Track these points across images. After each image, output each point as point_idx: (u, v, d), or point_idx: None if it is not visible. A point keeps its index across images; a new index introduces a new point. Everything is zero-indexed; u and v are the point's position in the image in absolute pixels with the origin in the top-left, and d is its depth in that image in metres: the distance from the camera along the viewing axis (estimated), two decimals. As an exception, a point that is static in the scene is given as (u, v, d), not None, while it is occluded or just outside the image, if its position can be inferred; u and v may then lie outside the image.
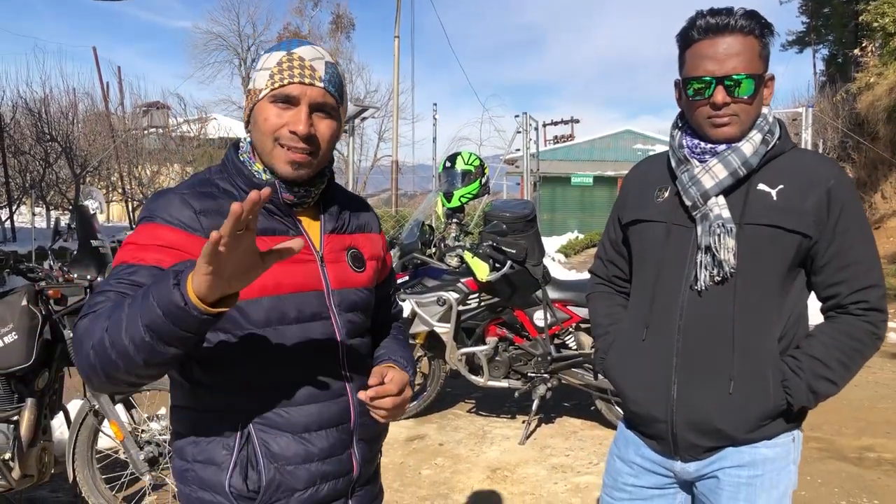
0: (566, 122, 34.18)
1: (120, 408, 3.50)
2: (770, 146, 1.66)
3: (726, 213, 1.64)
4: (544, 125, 30.63)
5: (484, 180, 5.04)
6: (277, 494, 1.39)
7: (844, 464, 4.41)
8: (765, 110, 1.70)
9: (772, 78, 1.68)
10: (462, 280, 4.69)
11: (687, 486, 1.83)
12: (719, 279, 1.65)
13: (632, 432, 1.87)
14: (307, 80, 1.36)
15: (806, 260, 1.67)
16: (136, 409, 3.59)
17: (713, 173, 1.65)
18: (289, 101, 1.36)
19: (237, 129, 19.88)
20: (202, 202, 1.37)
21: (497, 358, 4.83)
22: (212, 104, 33.21)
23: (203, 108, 21.36)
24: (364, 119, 14.32)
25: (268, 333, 1.37)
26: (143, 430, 3.53)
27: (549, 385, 4.79)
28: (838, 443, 4.78)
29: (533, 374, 4.78)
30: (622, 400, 1.87)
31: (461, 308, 4.71)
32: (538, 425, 4.98)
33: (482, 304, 4.75)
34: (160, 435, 3.56)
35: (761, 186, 1.65)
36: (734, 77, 1.59)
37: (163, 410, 4.02)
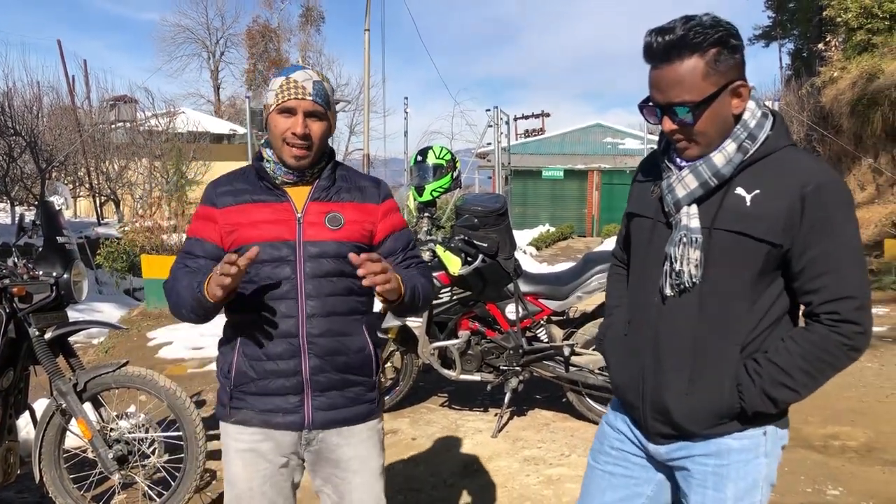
0: (537, 116, 34.35)
1: (88, 406, 3.46)
2: (749, 153, 1.65)
3: (694, 224, 1.66)
4: (515, 119, 30.70)
5: (455, 174, 5.04)
6: (242, 379, 2.03)
7: (810, 452, 4.49)
8: (746, 115, 1.66)
9: (742, 85, 1.64)
10: (434, 274, 4.69)
11: (662, 467, 1.89)
12: (680, 289, 1.69)
13: (620, 402, 1.97)
14: (300, 96, 1.96)
15: (781, 266, 1.67)
16: (105, 408, 3.55)
17: (685, 183, 1.68)
18: (289, 112, 1.97)
19: (206, 123, 19.65)
20: (222, 187, 2.09)
21: (469, 352, 4.84)
22: (180, 98, 32.83)
23: (171, 102, 21.05)
24: (336, 113, 14.26)
25: (251, 269, 1.95)
26: (111, 429, 3.49)
27: (521, 378, 4.81)
28: (804, 431, 4.86)
29: (505, 368, 4.80)
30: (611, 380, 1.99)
31: (433, 302, 4.71)
32: (510, 418, 5.00)
33: (454, 297, 4.76)
34: (129, 433, 3.52)
35: (738, 190, 1.65)
36: (674, 106, 1.62)
37: (132, 408, 3.98)
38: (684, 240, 1.66)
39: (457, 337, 4.84)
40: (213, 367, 6.49)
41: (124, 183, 17.48)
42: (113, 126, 18.89)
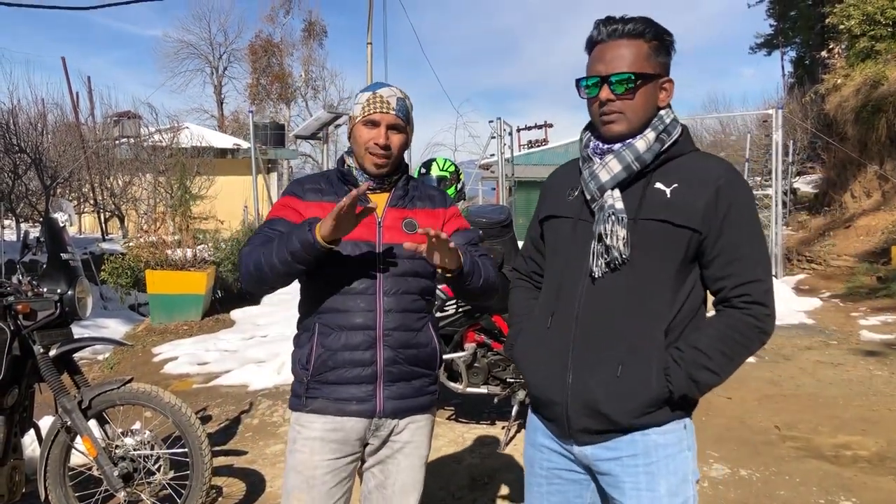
0: (539, 127, 34.27)
1: (93, 423, 3.44)
2: (666, 146, 1.80)
3: (619, 205, 1.77)
4: (518, 130, 30.71)
5: (459, 186, 5.03)
6: (321, 369, 2.16)
7: (822, 462, 4.45)
8: (663, 112, 1.83)
9: (669, 81, 1.83)
10: (439, 286, 4.66)
11: (591, 472, 1.91)
12: (612, 266, 1.77)
13: (535, 416, 2.00)
14: (384, 110, 2.17)
15: (698, 255, 1.78)
16: (110, 425, 3.52)
17: (609, 168, 1.80)
18: (373, 124, 2.17)
19: (210, 138, 19.67)
20: (308, 184, 2.29)
21: (476, 364, 4.82)
22: (184, 113, 32.87)
23: (175, 117, 21.07)
24: (339, 126, 14.28)
25: (334, 263, 2.12)
26: (116, 446, 3.46)
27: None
28: (815, 441, 4.82)
29: (512, 380, 4.77)
30: (526, 384, 2.00)
31: (439, 315, 4.68)
32: (518, 431, 4.96)
33: (460, 310, 4.73)
34: (134, 450, 3.50)
35: (658, 184, 1.78)
36: (616, 75, 1.76)
37: (137, 425, 3.96)
38: (612, 218, 1.75)
39: (463, 349, 4.82)
40: (218, 381, 6.49)
41: (128, 198, 17.50)
42: (117, 142, 18.92)
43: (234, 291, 10.45)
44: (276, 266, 2.06)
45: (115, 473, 3.37)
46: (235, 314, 9.38)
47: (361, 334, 2.15)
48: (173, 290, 8.90)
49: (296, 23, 48.55)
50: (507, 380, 4.79)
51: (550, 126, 33.63)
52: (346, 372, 2.16)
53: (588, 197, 1.84)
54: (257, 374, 6.58)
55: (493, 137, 13.81)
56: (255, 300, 10.02)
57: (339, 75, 49.74)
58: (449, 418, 5.35)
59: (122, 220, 18.13)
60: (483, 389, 4.83)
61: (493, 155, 15.03)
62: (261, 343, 7.86)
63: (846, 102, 14.39)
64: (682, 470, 1.81)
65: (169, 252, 9.14)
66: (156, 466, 3.56)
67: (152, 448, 3.57)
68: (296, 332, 2.30)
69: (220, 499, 4.05)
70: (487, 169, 20.80)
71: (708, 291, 1.86)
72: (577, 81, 1.85)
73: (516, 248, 4.79)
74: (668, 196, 1.77)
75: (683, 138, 1.84)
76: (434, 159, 5.07)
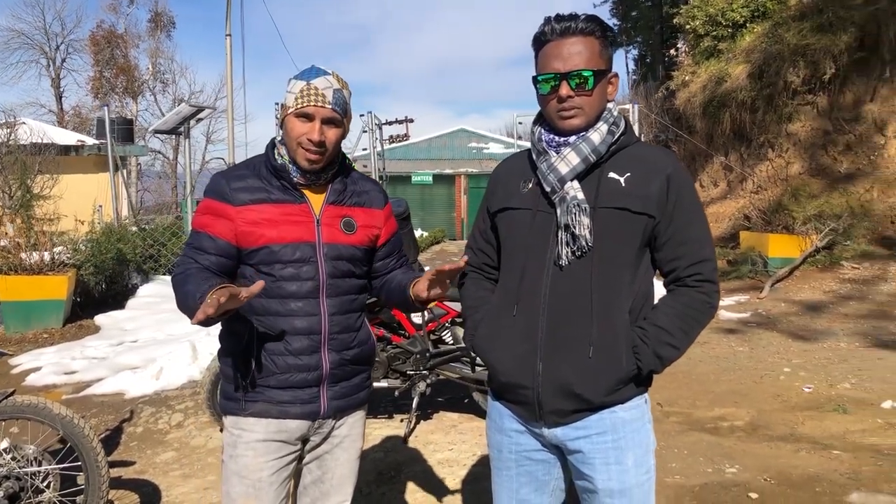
0: (401, 122, 34.42)
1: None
2: (616, 137, 1.88)
3: (581, 195, 1.84)
4: (379, 126, 30.71)
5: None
6: (263, 373, 2.09)
7: (703, 434, 4.76)
8: (609, 105, 1.92)
9: (615, 75, 1.92)
10: (337, 281, 4.60)
11: (557, 450, 1.99)
12: (579, 254, 1.84)
13: (499, 402, 2.04)
14: (319, 104, 2.03)
15: (651, 239, 1.88)
16: (-9, 443, 3.23)
17: (567, 160, 1.85)
18: (307, 118, 2.04)
19: (52, 134, 18.33)
20: (236, 182, 2.10)
21: (375, 359, 4.76)
22: (19, 107, 30.43)
23: (11, 112, 19.47)
24: (199, 121, 13.67)
25: (272, 270, 2.06)
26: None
27: (429, 381, 4.80)
28: (695, 415, 5.14)
29: (412, 372, 4.78)
30: (491, 372, 2.02)
31: (337, 310, 4.61)
32: (417, 422, 4.98)
33: (359, 304, 4.68)
34: (20, 467, 3.22)
35: (611, 174, 1.87)
36: (575, 72, 1.82)
37: (5, 443, 3.62)
38: (575, 209, 1.82)
39: (362, 344, 4.76)
40: (91, 391, 6.11)
41: (-39, 200, 16.00)
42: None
43: (95, 296, 9.81)
44: (183, 311, 1.97)
45: (0, 494, 3.10)
46: (100, 319, 8.81)
47: (306, 339, 2.09)
48: (30, 297, 8.24)
49: (141, 13, 46.15)
50: (408, 372, 4.78)
51: (412, 121, 33.87)
52: (290, 377, 2.10)
53: (548, 189, 1.88)
54: (133, 381, 6.22)
55: (365, 131, 13.72)
56: (119, 304, 9.47)
57: (189, 68, 47.73)
58: (346, 414, 5.28)
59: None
60: (384, 383, 4.80)
61: (365, 149, 14.93)
62: (132, 349, 7.43)
63: (694, 98, 15.40)
64: (645, 442, 1.93)
65: (24, 256, 8.43)
66: (44, 483, 3.30)
67: (39, 464, 3.30)
68: (221, 331, 2.18)
69: (115, 513, 3.81)
70: (355, 163, 20.69)
71: (658, 272, 1.96)
72: (534, 78, 1.88)
73: (414, 241, 4.81)
74: (623, 185, 1.85)
75: (629, 131, 1.93)
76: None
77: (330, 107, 2.05)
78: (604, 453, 1.88)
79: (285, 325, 2.08)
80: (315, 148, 2.05)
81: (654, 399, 5.31)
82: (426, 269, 5.07)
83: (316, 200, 2.15)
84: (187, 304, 1.91)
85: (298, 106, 2.04)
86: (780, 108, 14.00)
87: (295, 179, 2.12)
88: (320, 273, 2.11)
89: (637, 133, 12.83)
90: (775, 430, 4.79)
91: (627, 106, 13.36)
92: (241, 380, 2.10)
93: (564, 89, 1.82)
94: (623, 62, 30.33)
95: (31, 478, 3.26)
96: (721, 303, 9.43)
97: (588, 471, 1.90)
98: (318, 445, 2.24)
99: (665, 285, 1.95)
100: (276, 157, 2.13)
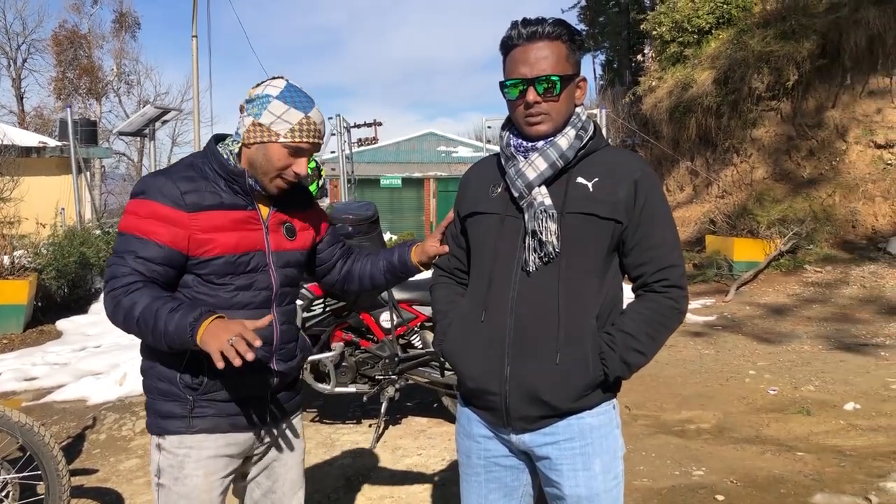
0: (369, 125, 34.26)
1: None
2: (584, 142, 1.87)
3: (548, 201, 1.82)
4: (348, 128, 30.56)
5: (321, 182, 4.94)
6: (212, 388, 1.99)
7: (671, 437, 4.79)
8: (578, 110, 1.90)
9: (584, 80, 1.90)
10: (305, 286, 4.55)
11: (526, 456, 1.98)
12: (546, 260, 1.82)
13: (468, 408, 2.03)
14: (316, 140, 1.99)
15: (619, 244, 1.87)
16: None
17: (535, 166, 1.84)
18: (299, 152, 1.97)
19: (12, 135, 17.97)
20: (186, 184, 1.93)
21: (344, 363, 4.74)
22: (-24, 108, 29.75)
23: (-30, 113, 19.07)
24: (165, 122, 13.50)
25: (226, 280, 1.97)
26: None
27: (398, 386, 4.77)
28: (662, 418, 5.18)
29: (381, 377, 4.74)
30: (459, 378, 2.00)
31: (305, 315, 4.57)
32: (386, 427, 4.95)
33: (327, 308, 4.64)
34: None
35: (579, 179, 1.85)
36: (542, 78, 1.80)
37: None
38: (542, 214, 1.81)
39: (330, 349, 4.73)
40: (52, 397, 5.98)
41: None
42: None
43: (57, 300, 9.62)
44: (148, 337, 1.85)
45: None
46: (62, 324, 8.64)
47: (259, 350, 1.96)
48: (-11, 301, 8.06)
49: (105, 13, 45.44)
50: (376, 377, 4.75)
51: (380, 124, 33.71)
52: (241, 391, 2.03)
53: (516, 194, 1.87)
54: (96, 386, 6.10)
55: (334, 134, 13.66)
56: (82, 309, 9.30)
57: (154, 70, 47.12)
58: (314, 420, 5.24)
59: (-90, 226, 16.16)
60: (352, 388, 4.76)
61: (333, 152, 14.85)
62: (95, 354, 7.29)
63: (661, 103, 15.54)
64: (613, 447, 1.92)
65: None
66: (3, 493, 3.22)
67: (-2, 474, 3.22)
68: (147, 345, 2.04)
69: (77, 523, 3.72)
70: (324, 165, 20.60)
71: (626, 277, 1.95)
72: (501, 84, 1.87)
73: (383, 244, 4.78)
74: (591, 190, 1.84)
75: (597, 135, 1.92)
76: (294, 155, 4.93)
77: (321, 141, 2.03)
78: (571, 459, 1.88)
79: None
80: (295, 181, 2.02)
81: (622, 402, 5.32)
82: None
83: (263, 206, 2.08)
84: (167, 333, 1.80)
85: (295, 140, 1.95)
86: (744, 113, 14.19)
87: (250, 185, 2.01)
88: (273, 282, 2.06)
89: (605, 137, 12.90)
90: (741, 433, 4.84)
91: (595, 111, 13.46)
92: (189, 395, 1.99)
93: (531, 95, 1.81)
94: (591, 67, 30.54)
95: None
96: (690, 304, 9.55)
97: (556, 477, 1.90)
98: (263, 456, 2.20)
99: (633, 290, 1.95)
100: (229, 160, 2.01)
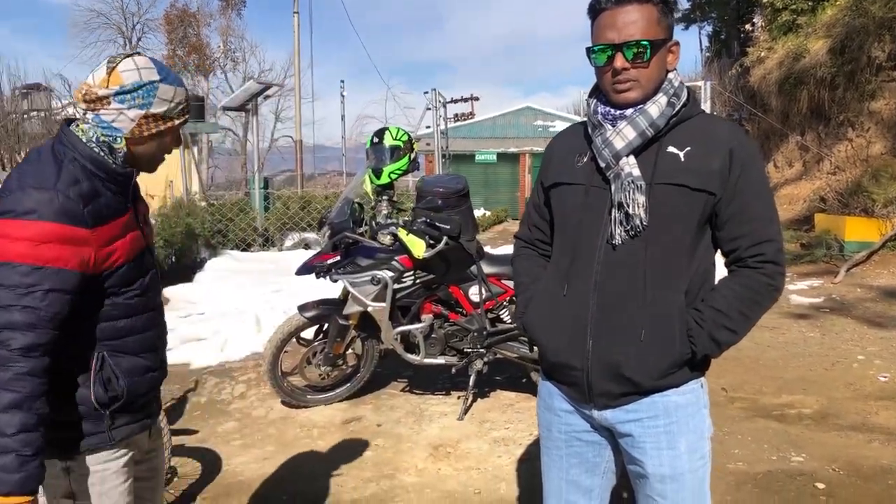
0: (466, 100, 34.26)
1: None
2: (676, 109, 1.77)
3: (636, 172, 1.74)
4: (444, 104, 30.66)
5: (413, 156, 4.94)
6: (130, 397, 1.87)
7: (769, 421, 4.60)
8: (671, 75, 1.80)
9: (676, 44, 1.79)
10: (396, 258, 4.60)
11: (608, 432, 1.93)
12: (633, 234, 1.75)
13: (550, 382, 1.99)
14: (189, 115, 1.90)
15: (711, 217, 1.78)
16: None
17: (623, 135, 1.76)
18: (178, 129, 1.87)
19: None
20: (85, 193, 1.69)
21: (433, 335, 4.77)
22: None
23: (89, 90, 20.09)
24: (267, 98, 13.87)
25: (124, 289, 1.83)
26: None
27: (486, 360, 4.77)
28: (760, 401, 4.98)
29: (469, 350, 4.75)
30: (540, 351, 1.97)
31: (396, 286, 4.62)
32: (474, 400, 4.96)
33: (417, 281, 4.67)
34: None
35: (670, 149, 1.76)
36: (631, 43, 1.70)
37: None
38: (630, 186, 1.73)
39: (420, 321, 4.76)
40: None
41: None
42: (26, 115, 17.95)
43: (164, 269, 10.08)
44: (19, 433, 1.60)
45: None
46: (169, 292, 9.03)
47: (157, 354, 1.99)
48: (103, 268, 8.51)
49: (213, -8, 46.78)
50: (465, 350, 4.76)
51: (477, 99, 33.70)
52: (146, 395, 1.97)
53: (602, 164, 1.80)
54: (199, 351, 6.38)
55: (429, 109, 13.70)
56: (187, 278, 9.70)
57: (259, 46, 48.42)
58: (403, 390, 5.31)
59: (36, 197, 17.24)
60: (440, 360, 4.79)
61: (429, 127, 14.91)
62: (199, 320, 7.61)
63: (769, 75, 14.83)
64: (700, 427, 1.85)
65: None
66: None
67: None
68: (69, 368, 1.81)
69: (175, 479, 3.91)
70: (418, 141, 20.76)
71: (719, 251, 1.87)
72: (588, 49, 1.79)
73: (473, 218, 4.76)
74: (682, 160, 1.75)
75: (691, 102, 1.82)
76: (387, 128, 4.96)
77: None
78: (655, 438, 1.82)
79: (141, 344, 1.91)
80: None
81: (718, 384, 5.17)
82: (487, 249, 5.04)
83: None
84: (28, 416, 1.60)
85: (185, 116, 1.86)
86: (861, 85, 13.34)
87: (134, 185, 1.89)
88: (157, 280, 2.00)
89: (709, 112, 12.45)
90: (846, 420, 4.60)
91: (699, 83, 12.96)
92: (104, 410, 1.85)
93: (619, 61, 1.72)
94: (696, 39, 29.39)
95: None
96: (793, 287, 9.13)
97: (639, 455, 1.85)
98: (147, 450, 2.13)
99: (726, 266, 1.86)
100: (109, 159, 1.79)
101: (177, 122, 1.83)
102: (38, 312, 1.61)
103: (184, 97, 1.84)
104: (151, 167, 1.90)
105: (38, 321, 1.61)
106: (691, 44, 29.75)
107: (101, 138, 1.76)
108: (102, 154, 1.76)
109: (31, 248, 1.60)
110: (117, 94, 1.73)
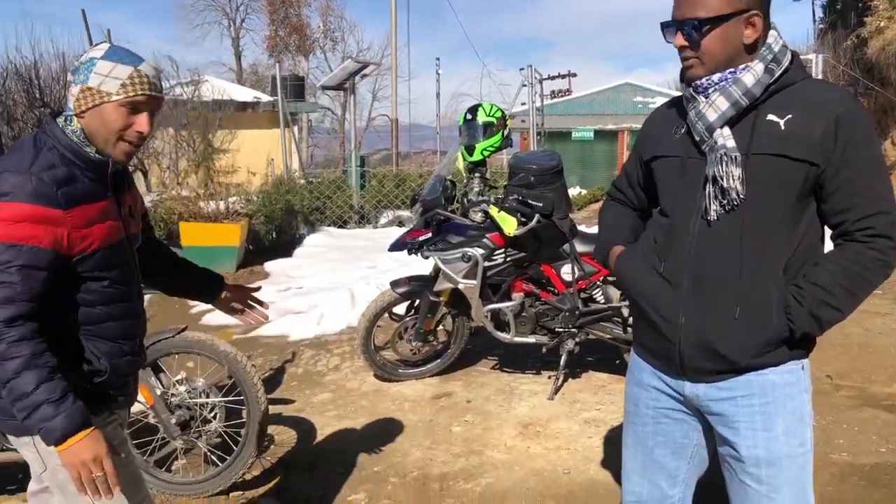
0: (563, 77, 33.65)
1: (148, 371, 3.42)
2: (775, 76, 1.69)
3: (731, 143, 1.68)
4: (540, 80, 30.27)
5: (506, 132, 4.91)
6: (112, 378, 1.95)
7: (878, 411, 4.37)
8: (770, 39, 1.71)
9: (756, 15, 1.67)
10: (487, 235, 4.59)
11: (699, 413, 1.86)
12: (729, 208, 1.69)
13: (641, 358, 1.96)
14: (153, 93, 1.85)
15: (816, 189, 1.70)
16: (165, 373, 3.50)
17: (716, 106, 1.70)
18: (136, 109, 1.83)
19: (231, 91, 19.52)
20: (48, 177, 1.74)
21: (523, 314, 4.74)
22: (202, 66, 32.51)
23: (195, 71, 20.88)
24: (364, 77, 14.07)
25: (102, 275, 1.89)
26: (172, 394, 3.45)
27: (578, 340, 4.72)
28: (869, 390, 4.73)
29: (560, 330, 4.71)
30: (634, 322, 1.98)
31: (487, 264, 4.61)
32: (565, 380, 4.92)
33: (508, 259, 4.65)
34: (190, 398, 3.49)
35: (770, 116, 1.68)
36: (687, 21, 1.67)
37: (181, 375, 3.93)
38: (725, 158, 1.67)
39: (510, 299, 4.74)
40: (258, 332, 6.50)
41: (150, 153, 17.43)
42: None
43: (265, 244, 10.43)
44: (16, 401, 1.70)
45: (173, 421, 3.37)
46: (269, 266, 9.36)
47: (134, 342, 2.06)
48: (208, 243, 8.86)
49: (314, -29, 47.64)
50: (556, 329, 4.72)
51: (574, 76, 33.02)
52: (126, 375, 2.07)
53: (696, 138, 1.76)
54: (297, 324, 6.57)
55: (525, 86, 13.57)
56: (287, 252, 10.01)
57: (357, 26, 49.07)
58: (493, 368, 5.32)
59: (145, 175, 18.11)
60: (531, 339, 4.77)
61: (524, 104, 14.78)
62: (297, 294, 7.84)
63: (889, 46, 13.91)
64: (799, 410, 1.78)
65: (202, 205, 9.08)
66: (211, 414, 3.56)
67: (207, 396, 3.56)
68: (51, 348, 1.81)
69: (272, 446, 4.06)
70: (512, 119, 20.61)
71: (826, 225, 1.78)
72: (662, 25, 1.77)
73: (566, 195, 4.70)
74: (783, 128, 1.66)
75: (795, 66, 1.73)
76: (480, 105, 4.94)
77: (161, 94, 1.89)
78: (749, 417, 1.76)
79: (121, 331, 1.98)
80: (139, 141, 1.89)
81: (823, 371, 4.94)
82: (580, 228, 4.97)
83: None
84: (31, 409, 1.69)
85: (129, 95, 1.81)
86: None
87: (111, 171, 1.91)
88: (136, 270, 2.05)
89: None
90: (963, 413, 4.33)
91: (811, 56, 12.30)
92: (98, 384, 1.96)
93: (678, 39, 1.71)
94: (809, 9, 27.93)
95: (200, 408, 3.52)
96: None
97: (731, 436, 1.78)
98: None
99: (832, 239, 1.76)
100: (84, 146, 1.86)
101: (115, 98, 1.80)
102: (14, 287, 1.68)
103: (128, 74, 1.81)
104: (108, 148, 1.86)
105: (15, 296, 1.68)
106: (804, 15, 28.18)
107: (73, 127, 1.86)
108: (79, 143, 1.85)
109: (6, 228, 1.69)
110: (72, 74, 1.85)
